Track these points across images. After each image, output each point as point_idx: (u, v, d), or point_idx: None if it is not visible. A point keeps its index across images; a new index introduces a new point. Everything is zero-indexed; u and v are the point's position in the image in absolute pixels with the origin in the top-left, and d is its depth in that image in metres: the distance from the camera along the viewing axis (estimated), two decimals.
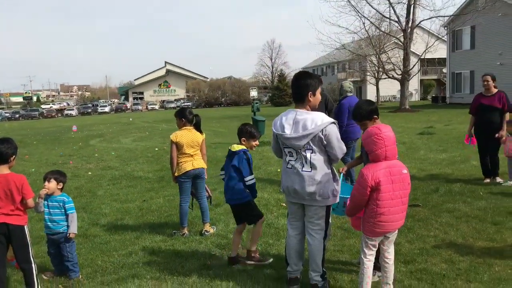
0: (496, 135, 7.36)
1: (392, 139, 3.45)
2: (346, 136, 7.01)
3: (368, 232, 3.52)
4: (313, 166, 3.66)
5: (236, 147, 4.57)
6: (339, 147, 3.67)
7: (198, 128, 5.67)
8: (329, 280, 3.92)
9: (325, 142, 3.62)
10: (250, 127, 4.67)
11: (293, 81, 3.88)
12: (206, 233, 5.60)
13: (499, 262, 4.27)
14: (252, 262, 4.54)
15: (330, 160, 3.73)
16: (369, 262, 3.54)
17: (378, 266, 3.77)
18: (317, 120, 3.62)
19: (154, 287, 4.12)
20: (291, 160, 3.78)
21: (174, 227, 5.96)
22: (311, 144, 3.64)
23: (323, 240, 3.81)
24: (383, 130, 3.44)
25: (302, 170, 3.69)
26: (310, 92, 3.76)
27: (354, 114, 4.04)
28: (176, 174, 5.60)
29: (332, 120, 3.67)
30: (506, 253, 4.48)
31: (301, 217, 3.92)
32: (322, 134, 3.60)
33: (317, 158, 3.66)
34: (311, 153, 3.66)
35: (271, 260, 4.57)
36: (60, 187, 4.44)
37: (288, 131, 3.70)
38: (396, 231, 3.61)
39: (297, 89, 3.80)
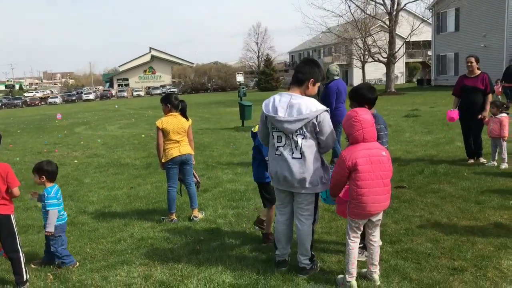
0: (479, 116, 7.47)
1: (370, 121, 3.50)
2: (333, 120, 6.99)
3: (352, 214, 3.57)
4: (302, 153, 3.64)
5: (257, 128, 4.58)
6: (332, 136, 3.67)
7: (184, 114, 5.65)
8: (317, 262, 3.98)
9: (317, 129, 3.61)
10: None
11: (300, 63, 3.85)
12: (194, 219, 5.63)
13: (482, 240, 4.38)
14: (265, 244, 4.62)
15: (320, 147, 3.72)
16: (353, 244, 3.60)
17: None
18: (311, 106, 3.60)
19: (143, 273, 4.14)
20: (279, 146, 3.74)
21: (162, 213, 5.96)
22: (304, 130, 3.62)
23: (311, 225, 3.84)
24: (360, 112, 3.49)
25: (292, 157, 3.67)
26: (313, 80, 3.75)
27: (355, 96, 3.93)
28: (163, 160, 5.59)
29: (326, 108, 3.66)
30: (489, 231, 4.59)
31: (290, 203, 3.94)
32: (316, 120, 3.59)
33: (308, 145, 3.64)
34: (302, 138, 3.63)
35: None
36: (43, 180, 4.32)
37: (282, 114, 3.64)
38: (381, 215, 3.65)
39: (301, 71, 3.77)
